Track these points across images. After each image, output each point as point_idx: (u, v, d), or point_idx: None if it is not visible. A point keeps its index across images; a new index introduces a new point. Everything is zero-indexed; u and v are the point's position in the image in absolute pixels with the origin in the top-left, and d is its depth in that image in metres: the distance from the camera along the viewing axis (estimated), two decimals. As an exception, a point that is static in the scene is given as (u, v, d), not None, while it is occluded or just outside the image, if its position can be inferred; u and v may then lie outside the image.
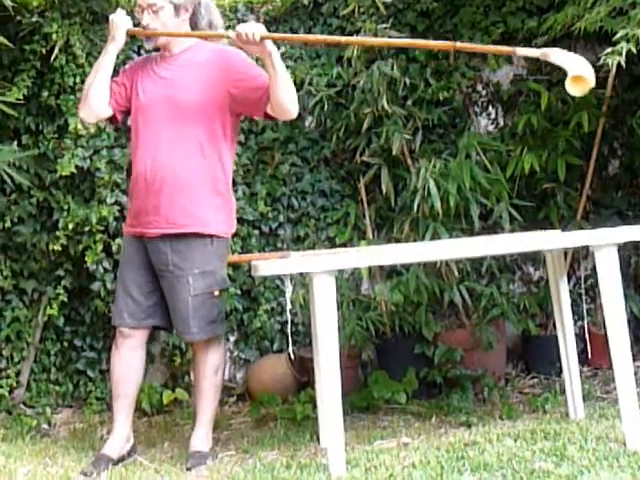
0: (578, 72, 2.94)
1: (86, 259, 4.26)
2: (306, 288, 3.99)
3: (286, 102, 3.25)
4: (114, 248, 4.26)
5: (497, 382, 4.36)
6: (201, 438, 3.40)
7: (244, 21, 4.33)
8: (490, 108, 4.82)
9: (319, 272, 3.01)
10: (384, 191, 4.50)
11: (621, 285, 3.11)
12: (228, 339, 4.54)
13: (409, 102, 4.57)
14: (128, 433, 3.43)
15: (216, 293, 3.35)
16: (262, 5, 4.68)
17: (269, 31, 3.29)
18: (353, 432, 3.65)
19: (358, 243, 4.51)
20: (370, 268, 4.53)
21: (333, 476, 2.96)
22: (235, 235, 4.25)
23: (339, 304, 4.25)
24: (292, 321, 4.31)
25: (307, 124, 4.67)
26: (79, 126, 4.18)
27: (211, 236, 3.32)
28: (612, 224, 4.09)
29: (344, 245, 4.53)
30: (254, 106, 3.33)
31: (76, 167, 4.23)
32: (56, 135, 4.33)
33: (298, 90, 4.40)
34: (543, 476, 2.79)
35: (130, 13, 3.48)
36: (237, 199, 3.81)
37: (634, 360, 3.32)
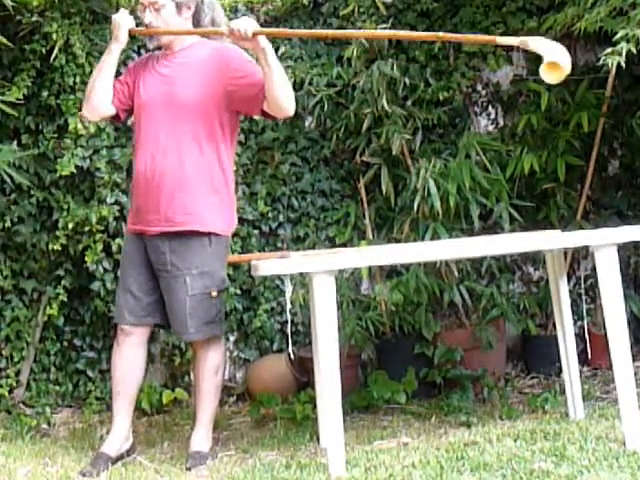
0: (553, 58, 2.92)
1: (86, 259, 4.26)
2: (306, 288, 3.99)
3: (282, 99, 3.24)
4: (114, 248, 4.26)
5: (497, 382, 4.36)
6: (201, 438, 3.40)
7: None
8: (490, 108, 4.82)
9: (319, 272, 3.01)
10: (384, 191, 4.50)
11: (621, 285, 3.11)
12: (228, 339, 4.54)
13: (409, 102, 4.57)
14: (127, 432, 3.43)
15: (214, 294, 3.34)
16: (262, 5, 4.68)
17: (269, 31, 3.29)
18: (353, 432, 3.65)
19: (358, 243, 4.51)
20: (370, 268, 4.53)
21: (333, 476, 2.96)
22: (235, 235, 4.26)
23: (339, 304, 4.25)
24: (292, 321, 4.31)
25: (307, 124, 4.67)
26: (79, 126, 4.19)
27: (209, 234, 3.31)
28: (612, 224, 4.10)
29: (344, 245, 4.52)
30: (250, 103, 3.32)
31: (76, 167, 4.23)
32: (56, 135, 4.32)
33: (298, 90, 4.45)
34: (543, 476, 2.79)
35: (132, 13, 3.49)
36: (237, 199, 3.81)
37: (634, 360, 3.32)
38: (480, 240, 3.64)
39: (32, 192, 4.32)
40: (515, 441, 3.24)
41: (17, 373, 4.35)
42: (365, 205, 4.64)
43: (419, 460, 3.04)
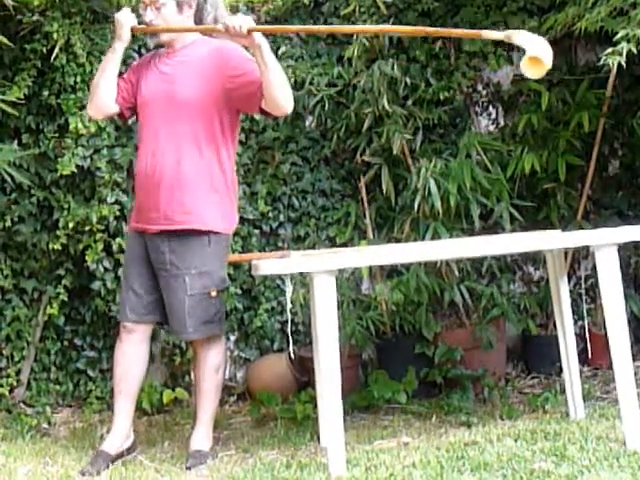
0: (535, 53, 2.92)
1: (86, 258, 4.26)
2: (306, 288, 3.99)
3: (279, 97, 3.23)
4: (114, 247, 4.27)
5: (497, 382, 4.36)
6: (201, 437, 3.40)
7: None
8: (491, 108, 4.82)
9: (319, 272, 3.01)
10: (384, 191, 4.50)
11: (621, 285, 3.11)
12: (228, 338, 4.54)
13: (410, 102, 4.57)
14: (128, 430, 3.43)
15: (213, 294, 3.34)
16: (263, 4, 4.68)
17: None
18: (353, 432, 3.65)
19: (358, 243, 4.51)
20: (370, 268, 4.53)
21: (333, 476, 2.96)
22: (235, 234, 4.26)
23: (339, 304, 4.25)
24: (292, 321, 4.31)
25: (308, 124, 4.66)
26: (79, 125, 4.19)
27: (209, 233, 3.31)
28: (612, 224, 4.09)
29: (344, 245, 4.52)
30: (249, 101, 3.32)
31: (76, 166, 4.23)
32: (56, 134, 4.32)
33: (299, 90, 4.45)
34: (543, 476, 2.79)
35: (134, 11, 3.49)
36: (238, 198, 3.81)
37: (634, 360, 3.31)
38: (480, 240, 3.64)
39: (33, 191, 4.32)
40: (515, 441, 3.24)
41: (17, 372, 4.35)
42: (366, 205, 4.64)
43: (419, 460, 3.04)
